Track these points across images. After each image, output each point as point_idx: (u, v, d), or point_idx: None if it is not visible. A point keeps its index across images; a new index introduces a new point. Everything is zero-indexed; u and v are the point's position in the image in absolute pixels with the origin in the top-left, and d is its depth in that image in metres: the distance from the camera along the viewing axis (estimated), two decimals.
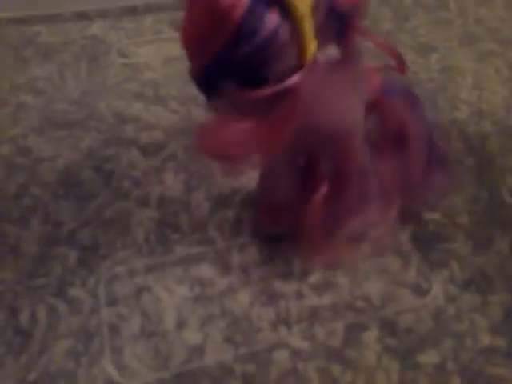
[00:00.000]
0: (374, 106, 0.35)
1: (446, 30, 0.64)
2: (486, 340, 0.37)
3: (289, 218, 0.38)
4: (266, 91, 0.29)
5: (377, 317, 0.38)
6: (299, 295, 0.39)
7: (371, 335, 0.37)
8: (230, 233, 0.44)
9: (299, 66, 0.30)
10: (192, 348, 0.36)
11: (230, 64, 0.29)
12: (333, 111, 0.32)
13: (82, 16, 0.68)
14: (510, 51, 0.61)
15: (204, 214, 0.45)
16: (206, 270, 0.41)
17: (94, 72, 0.60)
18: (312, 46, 0.30)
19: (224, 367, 0.36)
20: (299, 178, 0.36)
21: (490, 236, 0.43)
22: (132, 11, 0.68)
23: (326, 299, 0.39)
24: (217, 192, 0.47)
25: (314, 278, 0.40)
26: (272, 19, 0.27)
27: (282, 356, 0.36)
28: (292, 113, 0.29)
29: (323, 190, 0.35)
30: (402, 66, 0.35)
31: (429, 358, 0.37)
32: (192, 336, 0.37)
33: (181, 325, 0.38)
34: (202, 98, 0.32)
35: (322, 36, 0.30)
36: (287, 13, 0.28)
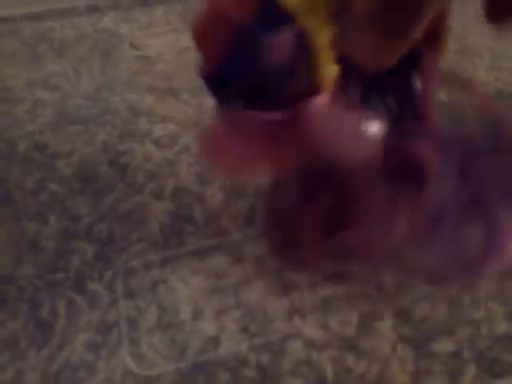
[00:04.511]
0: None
1: (461, 9, 0.62)
2: (502, 327, 0.37)
3: (291, 230, 0.38)
4: (277, 115, 0.29)
5: (391, 306, 0.38)
6: (313, 285, 0.39)
7: (385, 324, 0.37)
8: (244, 224, 0.44)
9: (313, 91, 0.29)
10: (207, 338, 0.37)
11: (237, 74, 0.28)
12: (340, 144, 0.31)
13: (94, 9, 0.68)
14: None
15: (218, 205, 0.45)
16: (220, 262, 0.41)
17: (107, 66, 0.60)
18: (330, 71, 0.29)
19: (239, 357, 0.36)
20: (304, 192, 0.36)
21: None
22: (143, 2, 0.68)
23: (340, 289, 0.39)
24: (230, 183, 0.47)
25: (328, 267, 0.40)
26: (284, 37, 0.27)
27: (296, 346, 0.37)
28: (302, 137, 0.29)
29: (325, 203, 0.34)
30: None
31: (444, 346, 0.36)
32: (207, 327, 0.38)
33: (196, 316, 0.38)
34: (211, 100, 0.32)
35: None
36: (302, 36, 0.27)
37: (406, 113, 0.33)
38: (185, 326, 0.38)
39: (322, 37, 0.28)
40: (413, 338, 0.37)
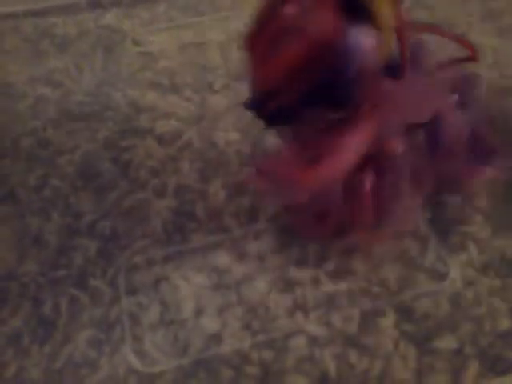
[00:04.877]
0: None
1: (465, 5, 0.62)
2: (505, 324, 0.37)
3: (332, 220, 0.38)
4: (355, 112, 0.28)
5: (393, 302, 0.38)
6: (315, 282, 0.40)
7: (388, 321, 0.37)
8: (247, 220, 0.44)
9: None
10: (210, 335, 0.37)
11: (322, 93, 0.28)
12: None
13: (96, 5, 0.68)
14: None
15: (220, 202, 0.45)
16: (222, 258, 0.41)
17: (109, 62, 0.60)
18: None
19: (241, 354, 0.36)
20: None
21: (510, 219, 0.42)
22: None
23: (343, 285, 0.39)
24: (233, 180, 0.47)
25: (330, 264, 0.40)
26: (367, 43, 0.27)
27: (298, 343, 0.37)
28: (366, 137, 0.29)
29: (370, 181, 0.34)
30: (475, 54, 0.33)
31: (447, 343, 0.36)
32: (210, 324, 0.38)
33: (199, 313, 0.38)
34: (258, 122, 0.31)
35: None
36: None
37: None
38: (187, 323, 0.38)
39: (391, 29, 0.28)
40: (415, 335, 0.37)
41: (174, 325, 0.38)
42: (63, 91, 0.57)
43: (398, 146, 0.33)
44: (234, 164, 0.47)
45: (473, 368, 0.35)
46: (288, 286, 0.40)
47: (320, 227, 0.40)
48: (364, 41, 0.26)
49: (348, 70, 0.27)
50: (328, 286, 0.39)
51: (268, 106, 0.29)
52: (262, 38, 0.28)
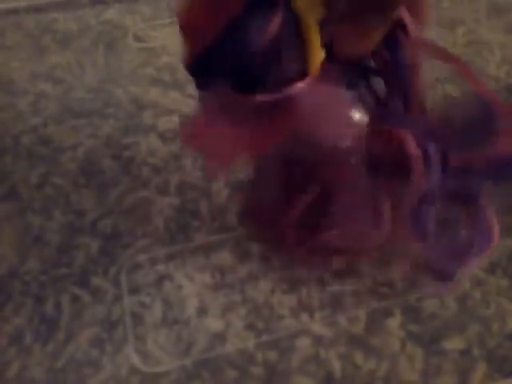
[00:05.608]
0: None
1: (472, 2, 0.61)
2: None
3: (272, 220, 0.37)
4: (265, 97, 0.28)
5: (400, 302, 0.38)
6: (321, 282, 0.39)
7: (394, 321, 0.37)
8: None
9: (300, 75, 0.28)
10: (214, 335, 0.37)
11: (225, 58, 0.28)
12: (327, 126, 0.30)
13: (98, 1, 0.68)
14: None
15: (224, 200, 0.45)
16: (226, 258, 0.41)
17: (110, 58, 0.60)
18: (318, 55, 0.28)
19: (245, 354, 0.36)
20: (287, 181, 0.35)
21: None
22: None
23: (348, 286, 0.39)
24: (236, 178, 0.46)
25: (336, 264, 0.40)
26: (274, 21, 0.26)
27: (303, 343, 0.36)
28: (286, 122, 0.28)
29: (307, 195, 0.34)
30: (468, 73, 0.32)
31: (454, 343, 0.36)
32: (213, 323, 0.37)
33: (202, 312, 0.38)
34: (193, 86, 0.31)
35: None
36: (292, 18, 0.27)
37: (394, 94, 0.32)
38: (191, 322, 0.37)
39: (311, 20, 0.27)
40: (422, 336, 0.36)
41: (177, 324, 0.37)
42: (64, 88, 0.57)
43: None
44: (238, 161, 0.46)
45: (480, 369, 0.35)
46: (293, 285, 0.39)
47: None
48: (269, 19, 0.26)
49: (245, 41, 0.27)
50: (333, 286, 0.39)
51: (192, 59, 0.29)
52: None
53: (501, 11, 0.60)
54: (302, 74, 0.28)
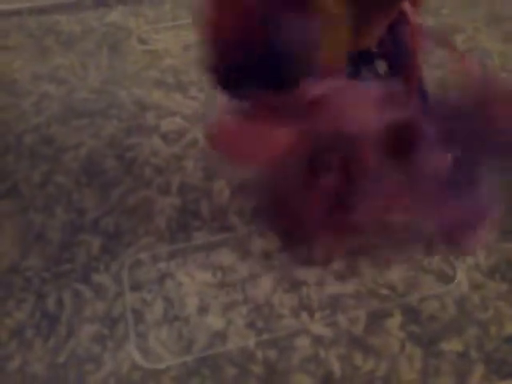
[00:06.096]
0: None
1: (471, 11, 0.62)
2: (510, 328, 0.37)
3: (295, 208, 0.38)
4: (303, 92, 0.28)
5: (400, 304, 0.38)
6: (321, 282, 0.39)
7: (394, 322, 0.37)
8: (251, 219, 0.44)
9: (325, 73, 0.29)
10: (214, 333, 0.37)
11: (259, 63, 0.28)
12: (353, 119, 0.31)
13: (102, 3, 0.68)
14: None
15: (224, 200, 0.45)
16: (227, 257, 0.41)
17: (114, 60, 0.60)
18: (341, 49, 0.29)
19: (246, 352, 0.36)
20: (309, 174, 0.35)
21: None
22: None
23: (349, 286, 0.39)
24: (237, 178, 0.46)
25: (336, 265, 0.40)
26: (313, 21, 0.27)
27: (303, 342, 0.36)
28: (318, 118, 0.29)
29: (330, 181, 0.34)
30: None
31: (452, 345, 0.36)
32: (214, 321, 0.37)
33: (203, 310, 0.38)
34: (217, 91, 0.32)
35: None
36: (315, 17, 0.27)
37: (395, 76, 0.33)
38: (191, 320, 0.38)
39: (336, 17, 0.28)
40: (421, 337, 0.37)
41: (178, 322, 0.37)
42: (68, 88, 0.57)
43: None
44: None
45: (478, 371, 0.35)
46: (293, 285, 0.39)
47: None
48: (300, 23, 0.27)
49: (277, 43, 0.27)
50: (334, 287, 0.39)
51: (221, 64, 0.30)
52: None
53: (500, 20, 0.61)
54: (324, 70, 0.29)
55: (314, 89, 0.29)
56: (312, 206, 0.35)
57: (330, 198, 0.34)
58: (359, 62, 0.33)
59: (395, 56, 0.31)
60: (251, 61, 0.29)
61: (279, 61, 0.28)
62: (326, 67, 0.29)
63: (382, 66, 0.33)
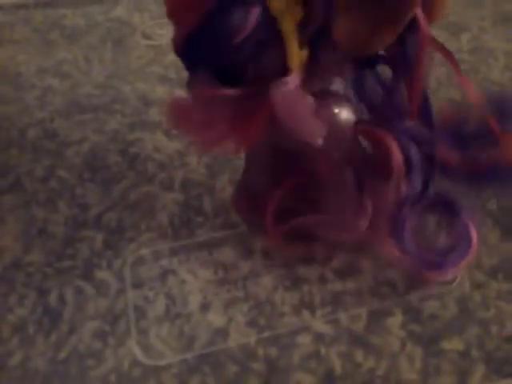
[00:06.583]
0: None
1: (477, 10, 0.62)
2: (511, 327, 0.37)
3: (258, 206, 0.38)
4: (240, 91, 0.28)
5: (401, 302, 0.38)
6: (322, 280, 0.39)
7: (395, 321, 0.37)
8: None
9: (280, 73, 0.29)
10: (216, 330, 0.37)
11: (207, 41, 0.28)
12: (299, 124, 0.30)
13: None
14: None
15: (227, 197, 0.45)
16: (229, 254, 0.41)
17: (118, 55, 0.60)
18: (296, 56, 0.28)
19: (247, 350, 0.36)
20: (275, 167, 0.36)
21: None
22: None
23: (350, 284, 0.39)
24: (240, 175, 0.46)
25: (338, 262, 0.40)
26: (253, 13, 0.27)
27: (304, 340, 0.36)
28: (263, 116, 0.29)
29: (291, 180, 0.34)
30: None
31: (453, 344, 0.36)
32: (216, 319, 0.38)
33: (205, 308, 0.38)
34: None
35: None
36: (270, 16, 0.27)
37: (400, 83, 0.33)
38: (193, 317, 0.38)
39: (288, 20, 0.27)
40: (422, 336, 0.37)
41: (179, 319, 0.38)
42: (72, 83, 0.57)
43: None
44: (242, 159, 0.47)
45: (479, 371, 0.35)
46: (295, 282, 0.39)
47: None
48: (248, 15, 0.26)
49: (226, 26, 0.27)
50: (335, 285, 0.39)
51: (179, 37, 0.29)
52: None
53: (506, 19, 0.61)
54: (281, 72, 0.29)
55: (270, 89, 0.28)
56: (270, 202, 0.35)
57: (286, 200, 0.35)
58: (363, 65, 0.32)
59: (401, 62, 0.31)
60: (201, 46, 0.28)
61: (227, 51, 0.28)
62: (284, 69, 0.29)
63: (385, 71, 0.33)
